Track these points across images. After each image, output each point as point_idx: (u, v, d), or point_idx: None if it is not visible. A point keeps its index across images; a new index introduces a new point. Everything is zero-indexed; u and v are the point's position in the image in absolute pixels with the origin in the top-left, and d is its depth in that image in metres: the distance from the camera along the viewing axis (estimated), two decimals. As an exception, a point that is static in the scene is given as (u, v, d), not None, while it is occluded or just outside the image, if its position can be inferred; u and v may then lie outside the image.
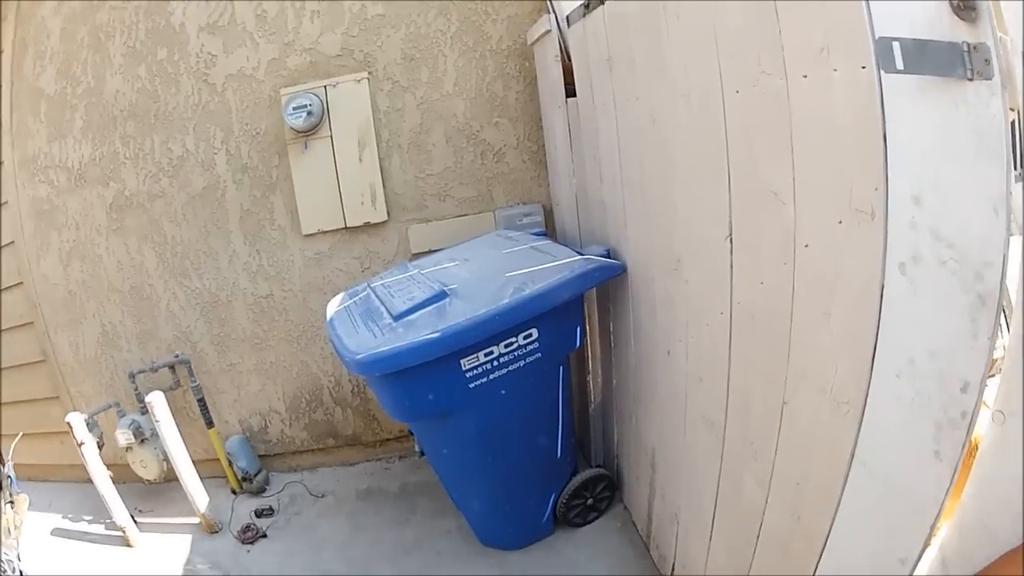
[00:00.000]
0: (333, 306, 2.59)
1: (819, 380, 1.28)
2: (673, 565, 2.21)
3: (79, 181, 3.59)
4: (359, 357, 2.09)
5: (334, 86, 3.04)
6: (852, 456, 1.20)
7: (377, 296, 2.45)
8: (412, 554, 2.86)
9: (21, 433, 3.20)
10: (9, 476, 2.71)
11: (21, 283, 4.12)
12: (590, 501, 2.69)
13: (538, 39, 2.77)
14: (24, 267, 4.07)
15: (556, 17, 2.60)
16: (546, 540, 2.67)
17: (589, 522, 2.71)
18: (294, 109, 2.93)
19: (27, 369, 4.31)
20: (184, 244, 3.48)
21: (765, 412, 1.47)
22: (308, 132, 3.00)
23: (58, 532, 4.09)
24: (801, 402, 1.36)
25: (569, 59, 2.57)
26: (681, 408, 1.96)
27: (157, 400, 3.38)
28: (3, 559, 2.43)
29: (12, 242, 4.06)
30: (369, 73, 3.07)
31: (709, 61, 1.47)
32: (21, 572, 2.49)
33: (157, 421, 3.39)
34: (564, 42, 2.60)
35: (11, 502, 2.69)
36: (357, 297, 2.55)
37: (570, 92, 2.59)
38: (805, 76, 1.18)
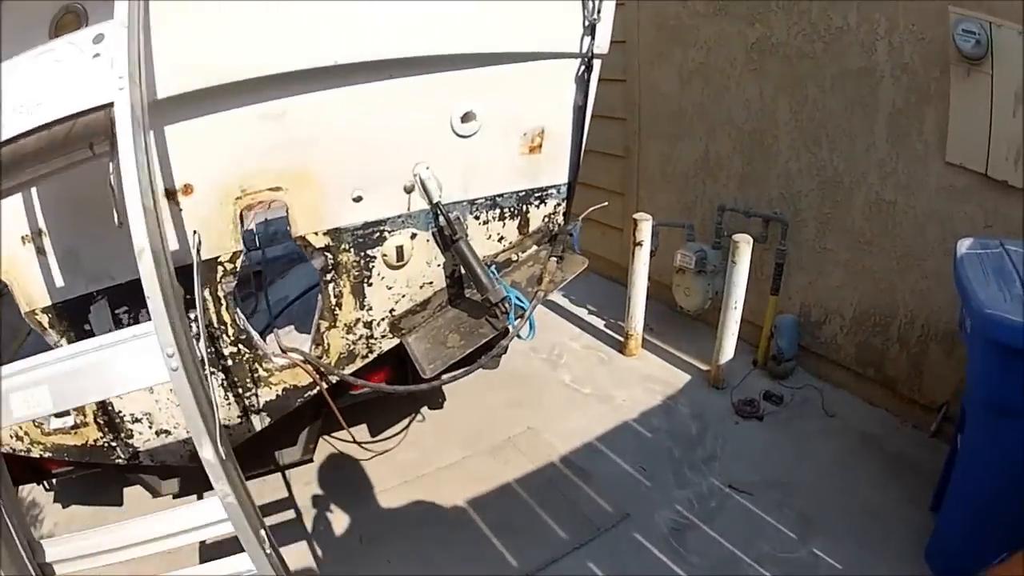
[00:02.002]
0: (963, 247, 2.51)
1: None
2: None
3: (719, 11, 3.78)
4: (988, 311, 2.06)
5: (998, 26, 2.84)
6: None
7: (1011, 259, 2.36)
8: (854, 520, 2.77)
9: (605, 204, 3.07)
10: (571, 234, 2.62)
11: (624, 80, 4.49)
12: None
13: None
14: (631, 68, 4.41)
15: None
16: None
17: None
18: (963, 31, 2.80)
19: (599, 158, 4.66)
20: (824, 113, 3.42)
21: None
22: (973, 61, 2.85)
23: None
24: None
25: None
26: None
27: (744, 243, 3.37)
28: (511, 301, 2.39)
29: (624, 41, 4.34)
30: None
31: None
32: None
33: (734, 263, 3.38)
34: None
35: (560, 257, 2.57)
36: (988, 250, 2.46)
37: None
38: None
